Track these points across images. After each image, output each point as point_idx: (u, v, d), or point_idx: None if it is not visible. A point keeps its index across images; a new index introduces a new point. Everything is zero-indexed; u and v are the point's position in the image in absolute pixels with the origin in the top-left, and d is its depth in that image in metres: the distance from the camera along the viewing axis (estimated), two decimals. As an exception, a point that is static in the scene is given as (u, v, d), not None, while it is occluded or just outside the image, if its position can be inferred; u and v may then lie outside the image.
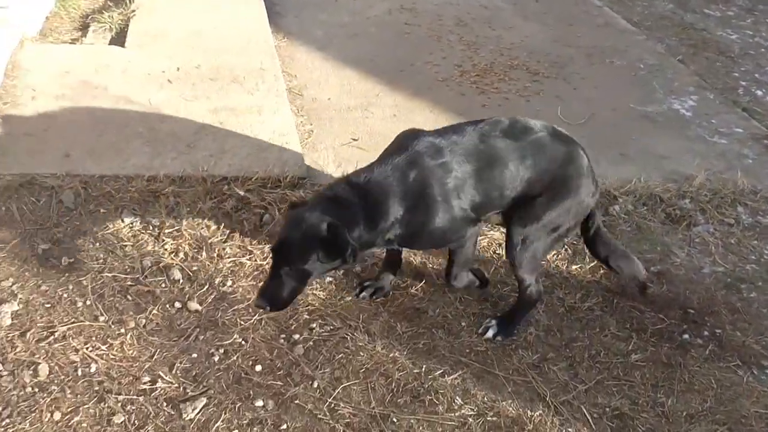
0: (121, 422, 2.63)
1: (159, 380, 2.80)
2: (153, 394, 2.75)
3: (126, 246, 3.40)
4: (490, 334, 3.17)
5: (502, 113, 4.80)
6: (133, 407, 2.69)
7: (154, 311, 3.09)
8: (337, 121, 4.67)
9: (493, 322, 3.21)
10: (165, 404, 2.71)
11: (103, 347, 2.90)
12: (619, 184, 4.24)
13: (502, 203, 3.03)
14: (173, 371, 2.84)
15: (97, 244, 3.41)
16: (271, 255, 2.88)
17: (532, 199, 3.00)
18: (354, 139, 4.47)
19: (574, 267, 3.62)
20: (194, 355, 2.92)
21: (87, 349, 2.89)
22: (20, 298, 3.08)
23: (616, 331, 3.28)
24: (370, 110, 4.86)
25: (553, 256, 3.64)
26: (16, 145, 4.05)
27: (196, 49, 5.22)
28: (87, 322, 3.00)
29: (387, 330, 3.15)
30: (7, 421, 2.59)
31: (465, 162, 2.92)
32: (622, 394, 2.98)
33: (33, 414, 2.63)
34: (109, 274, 3.23)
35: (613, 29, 6.66)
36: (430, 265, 3.52)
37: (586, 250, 3.47)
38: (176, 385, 2.79)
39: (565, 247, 3.71)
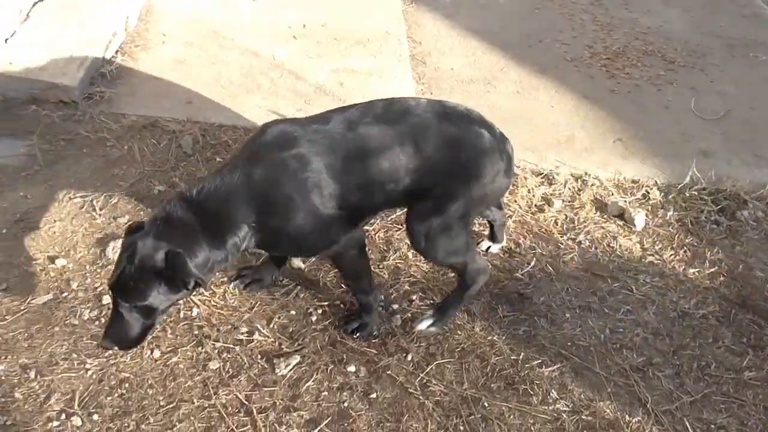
0: (216, 368, 2.67)
1: (256, 332, 2.82)
2: (249, 345, 2.77)
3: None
4: (423, 325, 2.91)
5: (631, 100, 4.65)
6: (229, 356, 2.73)
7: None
8: (458, 93, 4.56)
9: (429, 312, 2.96)
10: (260, 357, 2.73)
11: (206, 293, 2.95)
12: (750, 188, 3.96)
13: (389, 200, 2.67)
14: (271, 325, 2.86)
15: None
16: (109, 291, 2.52)
17: (428, 191, 2.61)
18: (474, 112, 4.36)
19: (691, 270, 3.41)
20: (292, 312, 2.93)
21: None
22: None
23: (731, 344, 3.07)
24: (493, 84, 4.72)
25: (670, 256, 3.45)
26: (144, 87, 4.16)
27: (324, 7, 5.20)
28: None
29: (487, 312, 3.06)
30: (110, 352, 2.67)
31: (327, 153, 2.49)
32: (731, 412, 2.79)
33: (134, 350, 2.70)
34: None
35: (761, 21, 6.21)
36: (539, 251, 3.39)
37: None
38: (272, 339, 2.81)
39: (684, 248, 3.51)
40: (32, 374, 2.58)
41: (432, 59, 4.95)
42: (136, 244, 2.39)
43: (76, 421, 2.45)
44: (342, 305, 2.97)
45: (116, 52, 4.43)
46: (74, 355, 2.66)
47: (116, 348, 2.53)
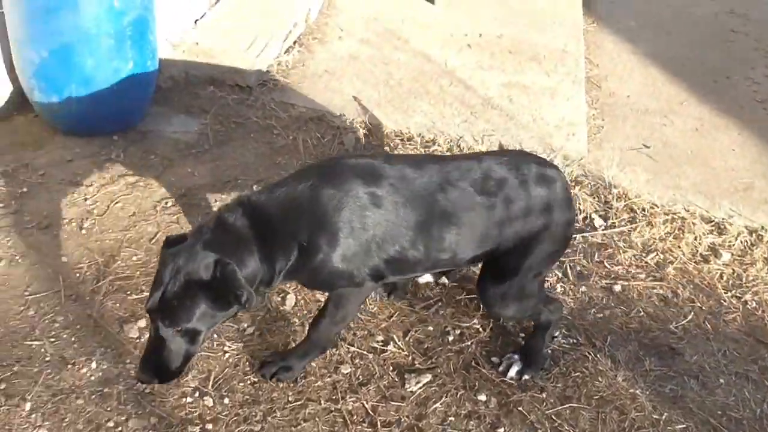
0: (347, 373, 2.66)
1: (391, 343, 2.78)
2: (383, 355, 2.75)
3: (391, 201, 3.42)
4: (513, 372, 2.70)
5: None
6: (361, 362, 2.71)
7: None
8: (631, 122, 4.34)
9: (515, 357, 2.74)
10: (391, 369, 2.70)
11: (348, 295, 2.95)
12: None
13: (454, 264, 2.57)
14: (406, 338, 2.82)
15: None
16: (147, 314, 2.25)
17: (506, 255, 2.48)
18: (645, 146, 4.13)
19: None
20: (430, 328, 2.87)
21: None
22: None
23: None
24: (670, 118, 4.45)
25: None
26: (316, 80, 4.24)
27: (503, 18, 5.11)
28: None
29: (633, 362, 2.88)
30: (253, 332, 2.73)
31: (405, 205, 2.30)
32: None
33: (276, 336, 2.75)
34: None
35: None
36: (698, 305, 3.15)
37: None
38: (406, 353, 2.76)
39: None
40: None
41: (608, 83, 4.75)
42: (181, 255, 2.17)
43: (208, 401, 2.51)
44: (481, 330, 2.89)
45: (294, 42, 4.55)
46: (215, 336, 2.74)
47: (156, 382, 2.26)
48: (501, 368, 2.73)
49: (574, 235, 3.34)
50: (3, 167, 3.45)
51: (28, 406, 2.44)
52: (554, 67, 4.62)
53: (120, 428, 2.40)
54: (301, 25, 4.64)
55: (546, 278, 2.70)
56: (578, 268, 3.24)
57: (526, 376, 2.72)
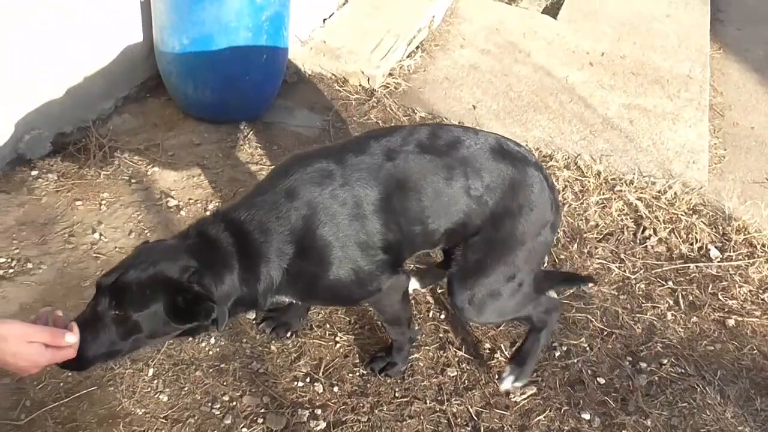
0: (453, 376, 2.69)
1: (498, 352, 2.80)
2: (489, 362, 2.77)
3: (505, 212, 3.44)
4: (507, 384, 2.60)
5: None
6: (468, 367, 2.74)
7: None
8: (755, 154, 4.22)
9: (508, 368, 2.63)
10: (497, 378, 2.71)
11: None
12: None
13: (430, 240, 2.30)
14: (513, 348, 2.83)
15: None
16: (95, 287, 1.98)
17: (472, 238, 2.28)
18: (769, 180, 4.02)
19: None
20: (537, 342, 2.88)
21: (443, 294, 2.99)
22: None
23: None
24: (797, 154, 4.31)
25: None
26: (436, 86, 4.30)
27: (626, 38, 5.05)
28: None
29: (744, 399, 2.80)
30: (363, 326, 2.80)
31: (366, 188, 2.15)
32: None
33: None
34: (483, 234, 3.30)
35: None
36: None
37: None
38: (513, 363, 2.78)
39: None
40: (288, 333, 2.76)
41: (732, 113, 4.63)
42: (158, 249, 2.07)
43: (318, 387, 2.59)
44: (588, 349, 2.87)
45: (417, 47, 4.62)
46: (327, 326, 2.82)
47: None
48: (501, 385, 2.62)
49: (687, 265, 3.29)
50: (136, 145, 3.64)
51: (150, 372, 2.58)
52: (677, 92, 4.53)
53: (234, 403, 2.51)
54: (424, 31, 4.70)
55: (534, 278, 2.47)
56: (690, 298, 3.18)
57: (518, 383, 2.62)
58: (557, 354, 2.84)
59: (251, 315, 2.80)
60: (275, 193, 2.15)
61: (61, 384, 2.52)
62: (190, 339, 2.34)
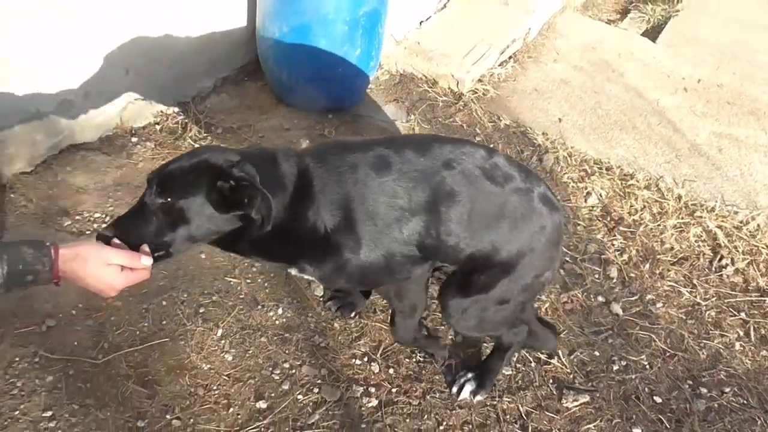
0: (508, 375, 2.72)
1: (555, 358, 2.82)
2: (544, 366, 2.79)
3: (579, 225, 3.44)
4: (465, 393, 2.61)
5: None
6: (523, 368, 2.77)
7: (578, 294, 3.09)
8: None
9: (469, 375, 2.63)
10: (551, 381, 2.73)
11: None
12: None
13: (455, 257, 2.27)
14: (571, 357, 2.84)
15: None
16: (146, 182, 1.98)
17: (485, 265, 2.27)
18: None
19: None
20: (596, 353, 2.87)
21: (508, 297, 3.03)
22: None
23: None
24: None
25: None
26: (524, 96, 4.33)
27: (725, 67, 4.95)
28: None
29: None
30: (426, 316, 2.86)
31: (417, 188, 2.14)
32: None
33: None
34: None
35: None
36: None
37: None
38: (568, 370, 2.79)
39: None
40: (353, 313, 2.85)
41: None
42: (210, 147, 2.13)
43: (375, 367, 2.67)
44: (648, 367, 2.85)
45: (509, 57, 4.66)
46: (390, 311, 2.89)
47: (114, 240, 1.88)
48: (454, 389, 2.62)
49: (763, 298, 3.22)
50: (230, 124, 3.82)
51: (219, 332, 2.72)
52: (774, 125, 4.43)
53: (293, 371, 2.62)
54: (519, 42, 4.74)
55: (521, 305, 2.48)
56: (762, 332, 3.11)
57: (479, 397, 2.61)
58: (615, 368, 2.83)
59: (319, 292, 2.91)
60: (342, 159, 2.15)
61: (137, 332, 2.69)
62: (240, 253, 2.22)
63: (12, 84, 3.04)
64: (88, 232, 3.03)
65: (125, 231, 1.90)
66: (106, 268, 1.78)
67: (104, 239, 1.86)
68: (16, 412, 2.39)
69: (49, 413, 2.40)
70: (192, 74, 3.88)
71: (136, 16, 3.38)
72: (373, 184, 2.13)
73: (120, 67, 3.47)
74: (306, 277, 2.29)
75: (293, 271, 2.26)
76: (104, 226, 2.57)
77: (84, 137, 3.49)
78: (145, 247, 1.89)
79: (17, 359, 2.55)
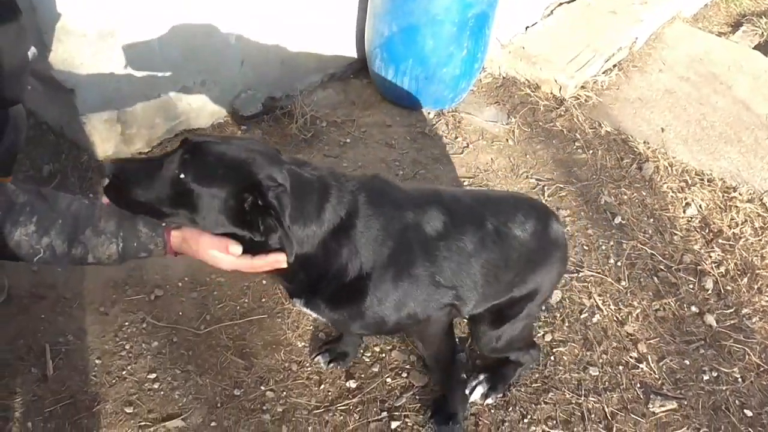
0: (595, 375, 2.75)
1: (644, 363, 2.82)
2: (633, 370, 2.79)
3: (676, 235, 3.42)
4: (478, 393, 2.62)
5: None
6: (610, 370, 2.78)
7: (670, 303, 3.08)
8: None
9: (481, 377, 2.63)
10: (638, 386, 2.74)
11: (612, 306, 3.02)
12: None
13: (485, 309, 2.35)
14: (660, 363, 2.83)
15: (652, 220, 3.49)
16: (178, 143, 1.81)
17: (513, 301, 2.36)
18: None
19: None
20: (686, 362, 2.86)
21: (599, 299, 3.04)
22: (567, 230, 3.36)
23: None
24: None
25: None
26: (627, 105, 4.31)
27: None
28: (609, 279, 3.14)
29: None
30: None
31: (461, 262, 2.11)
32: None
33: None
34: (649, 251, 3.30)
35: None
36: None
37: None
38: (657, 376, 2.78)
39: None
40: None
41: None
42: (269, 151, 1.84)
43: (462, 357, 2.74)
44: (740, 380, 2.81)
45: (614, 65, 4.64)
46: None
47: (108, 177, 1.75)
48: (466, 390, 2.61)
49: None
50: (334, 118, 3.96)
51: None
52: None
53: (384, 355, 2.73)
54: (624, 51, 4.71)
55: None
56: None
57: (490, 400, 2.62)
58: (705, 378, 2.81)
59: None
60: (395, 210, 2.03)
61: (238, 307, 2.85)
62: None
63: (136, 68, 3.27)
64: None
65: (126, 179, 1.74)
66: (210, 252, 1.81)
67: (102, 171, 1.75)
68: (124, 372, 2.59)
69: (153, 375, 2.59)
70: (301, 69, 4.05)
71: (254, 14, 3.57)
72: (419, 244, 2.05)
73: (236, 60, 3.66)
74: (312, 314, 2.14)
75: (298, 304, 2.10)
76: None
77: (198, 123, 3.71)
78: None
79: (127, 324, 2.75)
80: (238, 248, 1.79)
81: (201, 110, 3.69)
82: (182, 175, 1.70)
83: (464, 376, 2.62)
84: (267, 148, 1.85)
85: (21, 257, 1.78)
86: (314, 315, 2.14)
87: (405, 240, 2.01)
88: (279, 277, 2.01)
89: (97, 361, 2.59)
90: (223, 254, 1.80)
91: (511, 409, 2.60)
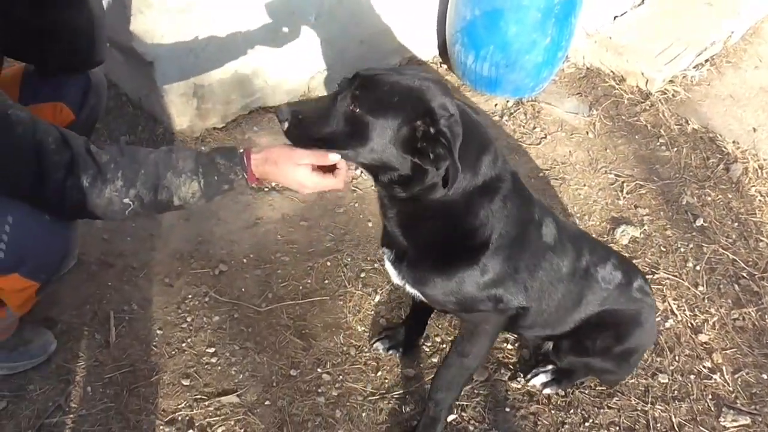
0: (664, 383, 2.62)
1: (718, 374, 2.68)
2: (705, 381, 2.65)
3: (762, 241, 3.23)
4: (539, 380, 2.58)
5: None
6: (681, 379, 2.65)
7: (751, 312, 2.91)
8: None
9: (549, 367, 2.57)
10: (710, 397, 2.60)
11: (687, 312, 2.88)
12: None
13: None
14: (735, 375, 2.69)
15: (736, 224, 3.31)
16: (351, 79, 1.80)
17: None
18: None
19: None
20: (764, 376, 2.70)
21: (674, 304, 2.91)
22: (645, 229, 3.22)
23: None
24: None
25: None
26: (717, 102, 4.12)
27: None
28: (686, 283, 3.00)
29: None
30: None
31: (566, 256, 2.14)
32: None
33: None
34: (731, 256, 3.13)
35: None
36: None
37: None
38: (730, 388, 2.64)
39: None
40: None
41: None
42: (442, 85, 1.81)
43: (525, 353, 2.67)
44: (822, 399, 2.65)
45: (706, 60, 4.43)
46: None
47: (286, 125, 1.79)
48: (529, 375, 2.59)
49: None
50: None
51: (377, 298, 2.82)
52: None
53: (444, 345, 2.68)
54: (718, 45, 4.48)
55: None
56: None
57: (548, 390, 2.55)
58: (785, 394, 2.65)
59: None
60: (531, 203, 2.06)
61: (300, 287, 2.84)
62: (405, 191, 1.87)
63: (214, 44, 3.27)
64: (266, 189, 3.23)
65: (303, 120, 1.79)
66: (296, 168, 1.83)
67: (280, 115, 1.79)
68: (183, 344, 2.60)
69: (212, 350, 2.59)
70: (381, 51, 4.00)
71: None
72: (534, 242, 2.06)
73: (315, 39, 3.64)
74: (393, 271, 2.11)
75: (386, 255, 2.11)
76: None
77: (274, 101, 3.71)
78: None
79: (190, 297, 2.77)
80: (336, 156, 1.81)
81: (277, 87, 3.69)
82: (357, 110, 1.72)
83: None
84: (438, 78, 1.85)
85: (113, 213, 1.86)
86: (394, 274, 2.10)
87: (527, 231, 2.02)
88: (395, 214, 1.96)
89: (158, 332, 2.62)
90: (308, 176, 1.83)
91: (572, 411, 2.51)
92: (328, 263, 2.94)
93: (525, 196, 2.02)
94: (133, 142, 3.37)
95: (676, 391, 2.61)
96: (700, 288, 2.99)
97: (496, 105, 3.95)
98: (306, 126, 1.79)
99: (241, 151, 1.90)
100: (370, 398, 2.48)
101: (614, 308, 2.29)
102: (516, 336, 2.71)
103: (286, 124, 1.79)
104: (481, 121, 1.88)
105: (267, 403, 2.43)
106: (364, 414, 2.44)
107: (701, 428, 2.50)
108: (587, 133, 3.80)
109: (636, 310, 2.32)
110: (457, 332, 2.66)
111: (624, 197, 3.40)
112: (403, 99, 1.72)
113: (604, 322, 2.29)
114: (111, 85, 3.50)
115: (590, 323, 2.29)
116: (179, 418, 2.36)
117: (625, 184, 3.47)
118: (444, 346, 2.66)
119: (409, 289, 2.11)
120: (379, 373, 2.57)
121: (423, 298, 2.15)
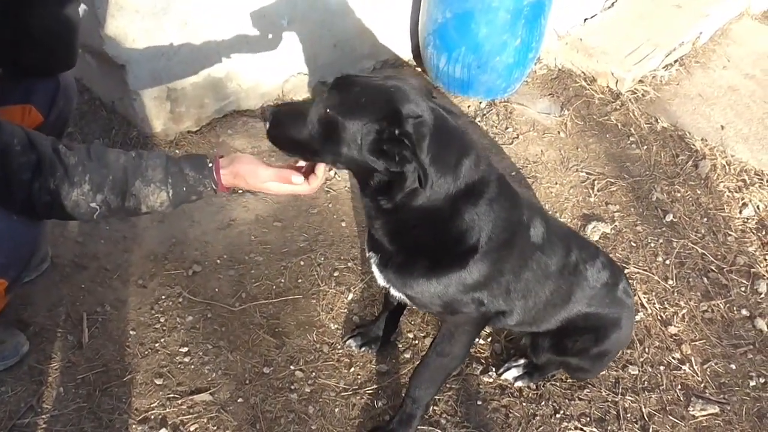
0: (634, 375, 2.65)
1: (687, 365, 2.72)
2: (674, 372, 2.69)
3: (730, 236, 3.28)
4: (511, 375, 2.60)
5: None
6: (651, 370, 2.69)
7: (719, 305, 2.96)
8: None
9: (522, 361, 2.59)
10: (679, 387, 2.64)
11: (657, 305, 2.93)
12: None
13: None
14: (704, 366, 2.73)
15: (705, 219, 3.37)
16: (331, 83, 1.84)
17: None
18: None
19: None
20: (732, 366, 2.74)
21: (644, 297, 2.95)
22: (615, 225, 3.27)
23: None
24: None
25: None
26: (686, 101, 4.18)
27: None
28: (656, 277, 3.04)
29: None
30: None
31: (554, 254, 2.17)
32: None
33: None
34: (700, 250, 3.18)
35: None
36: None
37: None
38: (699, 378, 2.68)
39: None
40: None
41: None
42: (417, 92, 1.81)
43: (497, 347, 2.69)
44: (789, 387, 2.70)
45: (675, 61, 4.50)
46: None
47: (269, 121, 1.85)
48: (501, 369, 2.61)
49: None
50: (384, 105, 3.92)
51: (350, 296, 2.84)
52: None
53: (417, 342, 2.70)
54: (687, 46, 4.56)
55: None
56: None
57: (520, 383, 2.58)
58: (752, 384, 2.69)
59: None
60: (519, 205, 2.06)
61: (273, 287, 2.85)
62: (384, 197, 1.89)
63: (187, 47, 3.29)
64: (240, 192, 3.24)
65: (280, 123, 1.85)
66: (264, 184, 1.91)
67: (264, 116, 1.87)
68: (157, 344, 2.61)
69: (185, 349, 2.60)
70: (354, 55, 4.03)
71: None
72: (521, 245, 2.07)
73: (288, 42, 3.66)
74: (379, 275, 2.12)
75: (372, 259, 2.11)
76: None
77: (248, 104, 3.73)
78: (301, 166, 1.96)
79: (163, 297, 2.78)
80: (299, 178, 1.89)
81: (251, 91, 3.70)
82: (328, 110, 1.76)
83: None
84: (418, 84, 1.88)
85: (80, 216, 1.87)
86: (380, 277, 2.11)
87: (515, 234, 2.03)
88: (381, 225, 1.96)
89: (131, 332, 2.62)
90: (276, 187, 1.91)
91: (543, 403, 2.54)
92: (302, 263, 2.96)
93: (512, 199, 2.03)
94: (107, 146, 3.36)
95: (646, 382, 2.65)
96: (670, 282, 3.04)
97: (469, 107, 3.98)
98: (285, 128, 1.84)
99: (210, 165, 1.91)
100: (342, 394, 2.50)
101: (598, 311, 2.32)
102: (488, 331, 2.74)
103: (268, 125, 1.85)
104: (460, 124, 1.89)
105: (240, 400, 2.44)
106: (336, 409, 2.45)
107: (671, 418, 2.53)
108: (559, 132, 3.84)
109: (618, 312, 2.36)
110: (429, 328, 2.70)
111: (595, 194, 3.44)
112: (372, 101, 1.75)
113: (588, 324, 2.33)
114: (84, 90, 3.51)
115: (576, 325, 2.33)
116: (152, 416, 2.36)
117: (596, 182, 3.51)
118: (416, 342, 2.69)
119: (394, 292, 2.13)
120: (352, 370, 2.59)
121: (408, 301, 2.17)
